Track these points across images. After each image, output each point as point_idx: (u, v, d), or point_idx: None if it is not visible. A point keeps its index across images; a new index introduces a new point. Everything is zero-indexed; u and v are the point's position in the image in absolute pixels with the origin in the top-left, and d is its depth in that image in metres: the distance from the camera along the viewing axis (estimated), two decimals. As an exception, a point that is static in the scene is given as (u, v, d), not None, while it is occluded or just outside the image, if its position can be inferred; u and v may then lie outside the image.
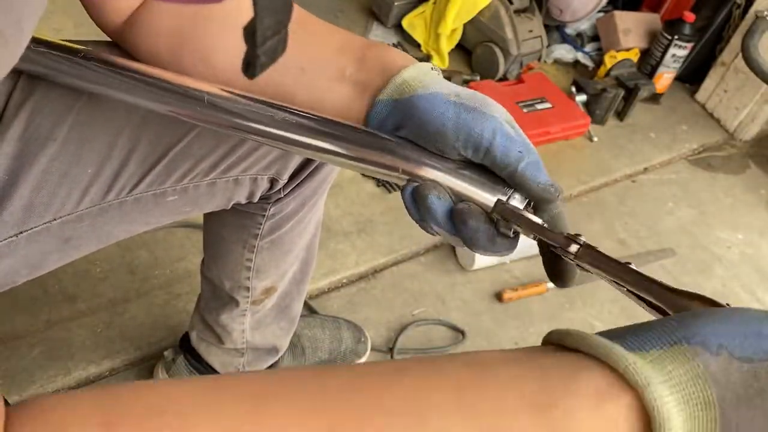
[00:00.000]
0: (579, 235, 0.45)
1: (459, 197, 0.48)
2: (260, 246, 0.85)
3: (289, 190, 0.78)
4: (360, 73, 0.55)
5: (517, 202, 0.48)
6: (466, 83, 1.91)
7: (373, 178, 1.59)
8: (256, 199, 0.77)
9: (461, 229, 0.47)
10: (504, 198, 0.47)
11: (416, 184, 0.49)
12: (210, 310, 0.97)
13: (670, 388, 0.27)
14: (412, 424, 0.28)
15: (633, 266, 0.42)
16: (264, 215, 0.81)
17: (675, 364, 0.27)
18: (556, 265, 0.48)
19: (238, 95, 0.54)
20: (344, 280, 1.37)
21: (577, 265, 0.44)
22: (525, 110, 1.82)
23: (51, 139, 0.60)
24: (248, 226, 0.83)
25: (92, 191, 0.63)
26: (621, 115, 1.98)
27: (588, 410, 0.27)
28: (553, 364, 0.29)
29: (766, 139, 2.08)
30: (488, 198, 0.48)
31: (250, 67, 0.34)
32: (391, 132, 0.52)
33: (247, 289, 0.91)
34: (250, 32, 0.33)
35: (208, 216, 0.88)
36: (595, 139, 1.89)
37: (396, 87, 0.52)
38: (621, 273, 0.42)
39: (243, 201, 0.76)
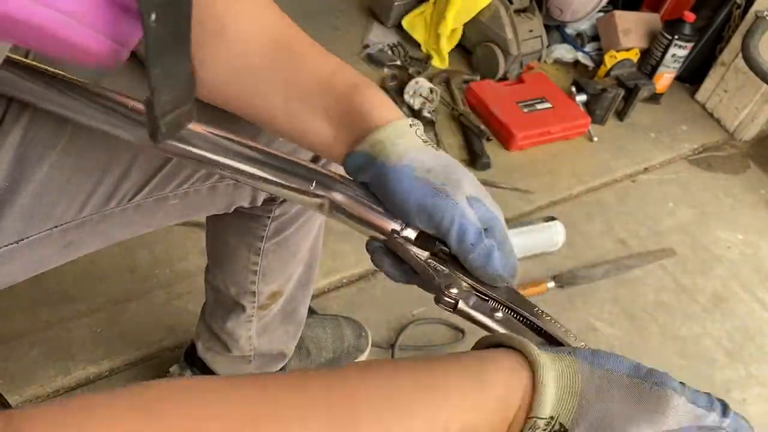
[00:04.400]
0: (452, 286, 0.48)
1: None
2: (266, 248, 0.85)
3: None
4: (342, 117, 0.55)
5: (411, 231, 0.52)
6: (466, 83, 1.92)
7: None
8: (259, 203, 0.77)
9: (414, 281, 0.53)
10: (399, 227, 0.51)
11: (376, 245, 0.54)
12: (216, 318, 0.96)
13: (553, 370, 0.39)
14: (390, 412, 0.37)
15: (499, 314, 0.49)
16: (269, 216, 0.81)
17: (563, 362, 0.40)
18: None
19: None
20: (344, 280, 1.37)
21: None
22: (525, 110, 1.82)
23: (51, 147, 0.60)
24: (253, 228, 0.83)
25: (93, 199, 0.63)
26: (621, 115, 1.98)
27: (504, 379, 0.40)
28: (487, 353, 0.42)
29: (766, 139, 2.07)
30: (385, 226, 0.52)
31: (152, 135, 0.37)
32: (352, 181, 0.54)
33: (253, 293, 0.90)
34: (148, 106, 0.35)
35: (212, 221, 0.88)
36: (595, 139, 1.89)
37: (370, 145, 0.53)
38: (491, 322, 0.49)
39: (246, 205, 0.76)
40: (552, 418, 0.39)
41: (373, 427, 0.36)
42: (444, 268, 0.50)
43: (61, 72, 0.58)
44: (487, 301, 0.49)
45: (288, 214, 0.81)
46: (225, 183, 0.71)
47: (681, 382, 0.41)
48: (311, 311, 1.27)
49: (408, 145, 0.52)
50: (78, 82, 0.57)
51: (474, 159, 1.70)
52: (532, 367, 0.40)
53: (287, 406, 0.36)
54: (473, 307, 0.48)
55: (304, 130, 0.57)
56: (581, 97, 1.92)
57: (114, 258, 1.28)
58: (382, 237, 0.53)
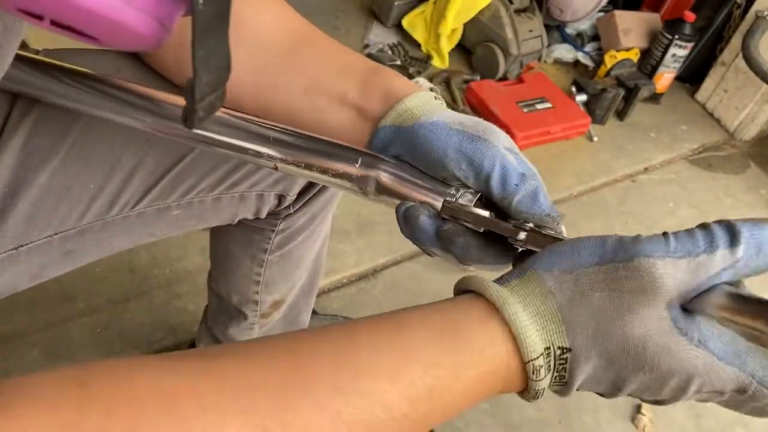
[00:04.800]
0: (526, 221, 0.46)
1: (438, 211, 0.49)
2: (269, 260, 0.84)
3: (299, 206, 0.77)
4: (362, 98, 0.55)
5: (465, 200, 0.49)
6: (466, 83, 1.91)
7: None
8: (263, 215, 0.76)
9: (451, 249, 0.48)
10: (451, 198, 0.49)
11: (409, 204, 0.49)
12: (218, 324, 0.96)
13: (523, 306, 0.37)
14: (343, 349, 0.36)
15: None
16: (273, 230, 0.80)
17: (526, 288, 0.38)
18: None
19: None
20: (344, 280, 1.37)
21: (529, 249, 0.46)
22: (525, 110, 1.82)
23: (53, 153, 0.59)
24: (257, 240, 0.82)
25: (95, 206, 0.62)
26: (621, 115, 1.98)
27: (478, 331, 0.37)
28: (454, 303, 0.40)
29: (766, 139, 2.07)
30: (436, 199, 0.49)
31: (188, 120, 0.37)
32: (393, 158, 0.52)
33: (256, 303, 0.90)
34: (189, 89, 0.35)
35: (215, 231, 0.87)
36: (596, 139, 1.89)
37: (398, 114, 0.52)
38: None
39: (250, 217, 0.75)
40: (547, 349, 0.36)
41: (326, 392, 0.34)
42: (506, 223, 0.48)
43: (69, 65, 0.58)
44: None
45: (292, 228, 0.80)
46: (229, 195, 0.70)
47: (664, 233, 0.36)
48: (312, 311, 1.27)
49: (436, 108, 0.51)
50: (88, 73, 0.57)
51: (474, 159, 1.70)
52: (498, 310, 0.37)
53: (233, 377, 0.33)
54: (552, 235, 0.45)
55: (323, 119, 0.56)
56: (581, 97, 1.92)
57: (114, 258, 1.28)
58: (433, 211, 0.49)
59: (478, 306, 0.38)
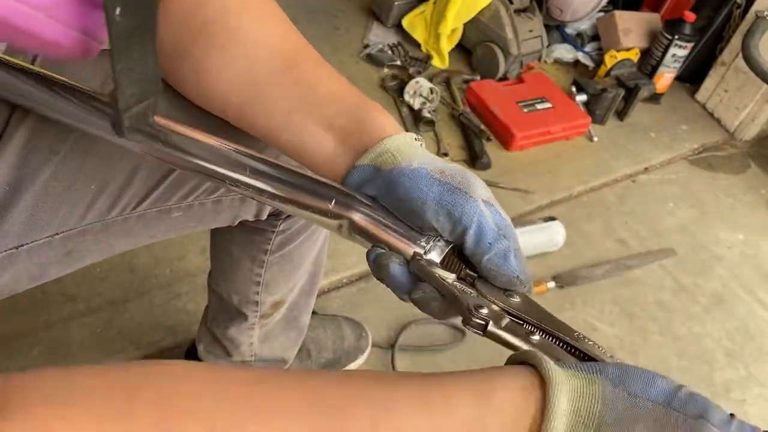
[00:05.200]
0: (481, 306, 0.45)
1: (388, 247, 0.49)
2: (270, 261, 0.85)
3: None
4: (347, 127, 0.54)
5: (436, 251, 0.48)
6: (466, 83, 1.91)
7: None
8: (264, 217, 0.76)
9: (427, 311, 0.49)
10: (421, 251, 0.48)
11: (378, 251, 0.50)
12: (218, 324, 0.96)
13: (567, 394, 0.35)
14: (381, 414, 0.35)
15: (536, 337, 0.44)
16: (274, 231, 0.80)
17: (582, 382, 0.36)
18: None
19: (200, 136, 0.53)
20: (344, 280, 1.37)
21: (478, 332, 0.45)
22: (525, 110, 1.82)
23: (54, 152, 0.59)
24: (258, 241, 0.82)
25: (95, 207, 0.62)
26: (621, 115, 1.98)
27: (512, 400, 0.36)
28: (497, 370, 0.39)
29: (766, 139, 2.07)
30: (409, 245, 0.49)
31: (116, 128, 0.36)
32: (368, 198, 0.51)
33: (256, 303, 0.90)
34: (112, 100, 0.35)
35: (215, 232, 0.87)
36: (596, 139, 1.89)
37: (378, 155, 0.51)
38: (526, 345, 0.44)
39: (250, 218, 0.75)
40: None
41: None
42: (472, 291, 0.47)
43: (62, 78, 0.57)
44: (522, 324, 0.45)
45: (292, 229, 0.80)
46: (230, 197, 0.70)
47: (731, 414, 0.36)
48: (312, 311, 1.27)
49: (416, 153, 0.51)
50: (80, 87, 0.56)
51: (474, 159, 1.70)
52: (544, 385, 0.36)
53: (272, 410, 0.35)
54: (505, 329, 0.44)
55: (303, 143, 0.55)
56: (581, 97, 1.92)
57: (114, 258, 1.28)
58: (403, 259, 0.50)
59: (524, 376, 0.37)
